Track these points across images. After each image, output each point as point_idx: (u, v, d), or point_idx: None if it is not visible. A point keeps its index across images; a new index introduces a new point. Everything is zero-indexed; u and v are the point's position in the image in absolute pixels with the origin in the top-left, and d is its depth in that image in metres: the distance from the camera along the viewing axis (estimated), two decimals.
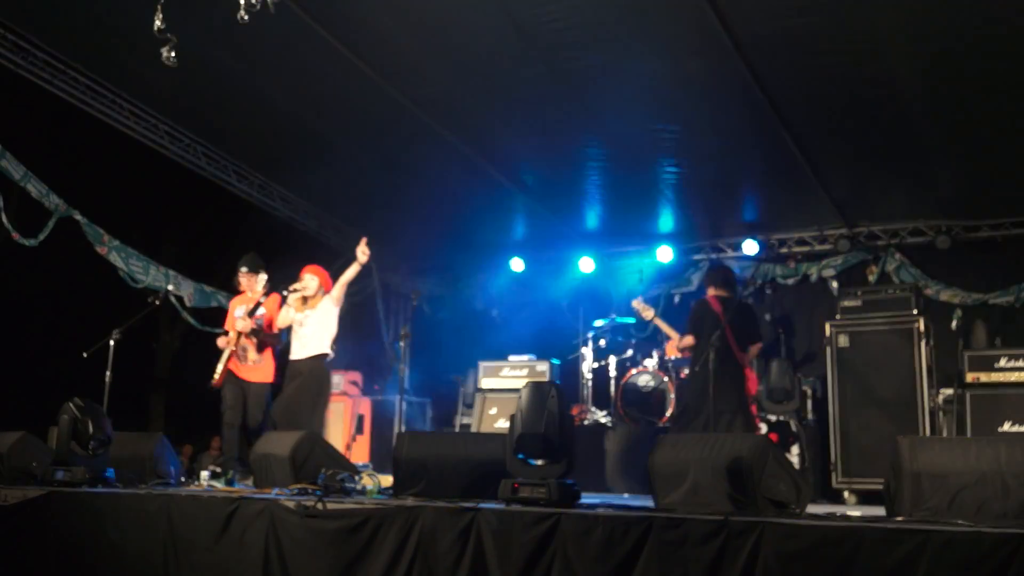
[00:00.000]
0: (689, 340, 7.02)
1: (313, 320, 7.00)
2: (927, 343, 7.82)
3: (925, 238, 9.27)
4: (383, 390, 10.47)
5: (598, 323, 9.71)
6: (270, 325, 7.13)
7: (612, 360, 9.34)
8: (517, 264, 10.88)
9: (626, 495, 7.54)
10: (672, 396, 8.69)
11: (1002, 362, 7.46)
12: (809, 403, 8.58)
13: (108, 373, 6.90)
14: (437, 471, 5.24)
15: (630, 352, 9.40)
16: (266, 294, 7.23)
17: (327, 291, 7.06)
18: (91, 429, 6.09)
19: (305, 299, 7.02)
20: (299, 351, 7.00)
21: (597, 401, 9.45)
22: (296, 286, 7.00)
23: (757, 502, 4.22)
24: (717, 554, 3.87)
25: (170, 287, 8.93)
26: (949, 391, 7.71)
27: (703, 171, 8.62)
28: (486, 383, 9.46)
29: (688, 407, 6.82)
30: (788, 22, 6.08)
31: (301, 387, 6.85)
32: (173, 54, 5.17)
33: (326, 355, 7.05)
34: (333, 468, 5.48)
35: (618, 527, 4.08)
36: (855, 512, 5.03)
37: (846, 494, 7.80)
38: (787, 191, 8.97)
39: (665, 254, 10.21)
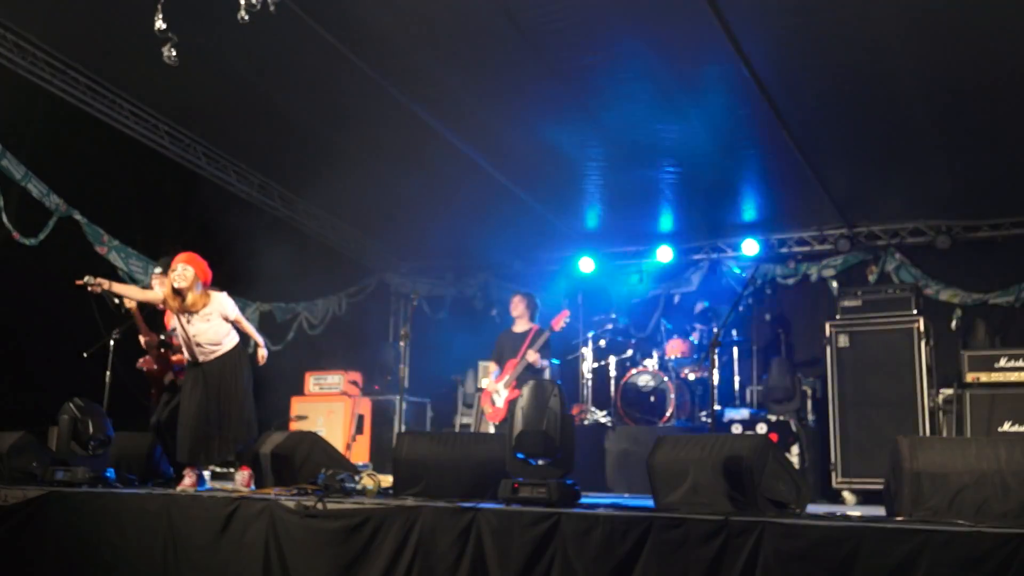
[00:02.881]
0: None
1: (202, 324, 5.82)
2: (927, 343, 7.82)
3: (925, 238, 9.26)
4: (383, 390, 10.46)
5: None
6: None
7: (612, 360, 9.34)
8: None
9: (626, 495, 7.54)
10: (672, 396, 8.69)
11: (1002, 362, 7.46)
12: (809, 403, 8.58)
13: (108, 373, 6.90)
14: (437, 471, 5.25)
15: (630, 352, 9.40)
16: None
17: (205, 284, 5.85)
18: (91, 429, 6.09)
19: (182, 295, 5.76)
20: (203, 357, 5.88)
21: (597, 401, 9.44)
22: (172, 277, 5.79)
23: (757, 502, 4.22)
24: (717, 554, 3.87)
25: None
26: (949, 391, 7.72)
27: (703, 171, 8.61)
28: (485, 383, 9.45)
29: None
30: (788, 22, 6.08)
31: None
32: (174, 52, 5.16)
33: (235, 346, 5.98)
34: (333, 468, 5.49)
35: (618, 527, 4.09)
36: (855, 512, 5.03)
37: (846, 494, 7.80)
38: (787, 191, 8.97)
39: (665, 254, 10.21)
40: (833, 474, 7.87)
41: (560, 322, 8.01)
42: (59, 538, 5.49)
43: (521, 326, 8.08)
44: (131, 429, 6.99)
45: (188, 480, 5.79)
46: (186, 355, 5.95)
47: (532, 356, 7.79)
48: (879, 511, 4.69)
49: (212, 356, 5.87)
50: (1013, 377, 7.37)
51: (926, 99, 6.94)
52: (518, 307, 8.12)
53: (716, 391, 8.66)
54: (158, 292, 6.02)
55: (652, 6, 6.15)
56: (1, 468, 6.18)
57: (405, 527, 4.55)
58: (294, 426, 9.62)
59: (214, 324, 5.85)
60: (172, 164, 8.78)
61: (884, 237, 9.47)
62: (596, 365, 9.52)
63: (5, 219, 7.48)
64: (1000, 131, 7.30)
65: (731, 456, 4.34)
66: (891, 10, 5.86)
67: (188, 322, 5.79)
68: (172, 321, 6.04)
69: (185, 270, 5.74)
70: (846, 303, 8.34)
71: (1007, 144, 7.47)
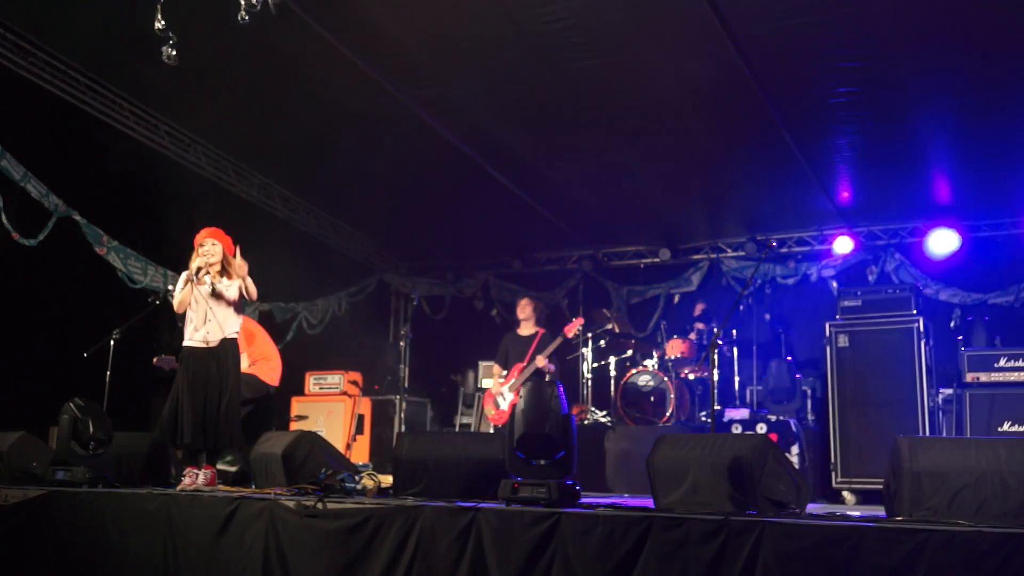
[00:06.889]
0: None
1: (223, 291, 5.89)
2: (926, 343, 7.82)
3: (925, 238, 9.27)
4: (383, 390, 10.46)
5: None
6: None
7: (612, 360, 9.34)
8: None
9: (626, 495, 7.54)
10: (672, 396, 8.69)
11: (1001, 362, 7.46)
12: (809, 403, 8.58)
13: (108, 373, 6.89)
14: (437, 471, 5.24)
15: (630, 352, 9.40)
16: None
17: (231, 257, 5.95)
18: (91, 429, 6.08)
19: (210, 268, 5.87)
20: (211, 334, 5.91)
21: (597, 401, 9.45)
22: (200, 262, 5.85)
23: (757, 502, 4.22)
24: (717, 554, 3.87)
25: (169, 287, 8.91)
26: (948, 391, 7.72)
27: (703, 171, 8.62)
28: (486, 383, 9.46)
29: None
30: (788, 22, 6.09)
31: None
32: (174, 52, 5.16)
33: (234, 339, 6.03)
34: (333, 468, 5.48)
35: (618, 527, 4.08)
36: (855, 512, 5.03)
37: (846, 494, 7.79)
38: (787, 191, 8.97)
39: (666, 254, 10.22)
40: (833, 474, 7.86)
41: (573, 329, 8.04)
42: (59, 538, 5.48)
43: (527, 329, 8.07)
44: (131, 429, 6.99)
45: (188, 480, 5.77)
46: (192, 336, 5.95)
47: (541, 362, 7.78)
48: (879, 511, 4.68)
49: (220, 337, 5.89)
50: (1013, 377, 7.37)
51: (926, 99, 6.94)
52: (525, 310, 8.11)
53: (716, 391, 8.69)
54: (181, 287, 5.95)
55: (652, 6, 6.15)
56: (1, 468, 6.18)
57: (405, 527, 4.55)
58: (294, 426, 9.61)
59: (232, 295, 5.90)
60: (172, 164, 8.78)
61: (884, 237, 9.47)
62: (596, 365, 9.52)
63: (4, 219, 7.46)
64: (1000, 131, 7.30)
65: (731, 456, 4.33)
66: (891, 9, 5.87)
67: (212, 291, 5.86)
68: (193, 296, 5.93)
69: (214, 246, 5.91)
70: (846, 303, 8.32)
71: (1007, 144, 7.48)
